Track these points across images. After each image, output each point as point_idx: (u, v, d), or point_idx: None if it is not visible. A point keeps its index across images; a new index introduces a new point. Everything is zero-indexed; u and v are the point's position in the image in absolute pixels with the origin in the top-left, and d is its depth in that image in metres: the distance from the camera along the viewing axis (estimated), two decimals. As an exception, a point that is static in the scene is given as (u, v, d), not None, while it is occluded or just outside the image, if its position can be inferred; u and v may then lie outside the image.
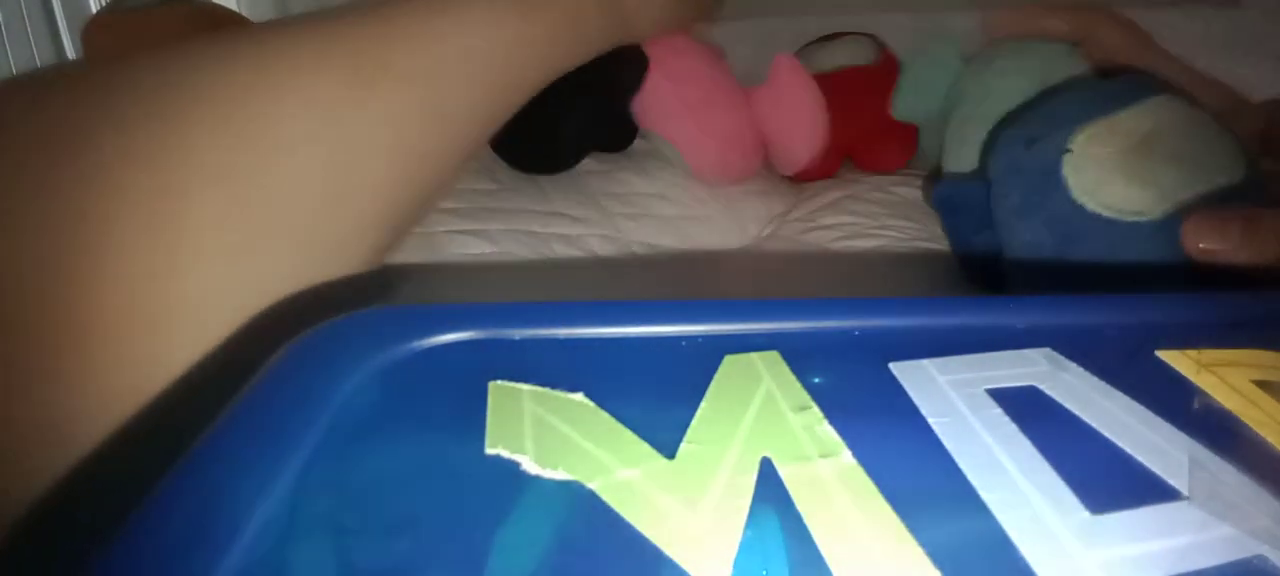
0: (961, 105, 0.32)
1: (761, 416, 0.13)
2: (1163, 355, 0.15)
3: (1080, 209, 0.21)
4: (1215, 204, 0.21)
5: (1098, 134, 0.21)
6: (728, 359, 0.14)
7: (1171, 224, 0.21)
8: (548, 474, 0.12)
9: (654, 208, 0.39)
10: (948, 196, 0.27)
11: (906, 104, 0.37)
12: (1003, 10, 0.33)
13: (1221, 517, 0.11)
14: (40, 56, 1.09)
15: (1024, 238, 0.21)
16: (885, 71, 0.46)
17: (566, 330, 0.15)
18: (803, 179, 0.43)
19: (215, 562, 0.10)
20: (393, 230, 0.24)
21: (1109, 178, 0.21)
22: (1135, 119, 0.22)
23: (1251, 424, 0.13)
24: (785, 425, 0.13)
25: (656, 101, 0.40)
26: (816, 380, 0.14)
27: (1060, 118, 0.22)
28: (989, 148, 0.25)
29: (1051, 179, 0.21)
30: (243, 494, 0.11)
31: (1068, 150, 0.21)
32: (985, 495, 0.11)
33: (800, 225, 0.38)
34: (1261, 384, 0.14)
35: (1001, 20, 0.33)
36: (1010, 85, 0.30)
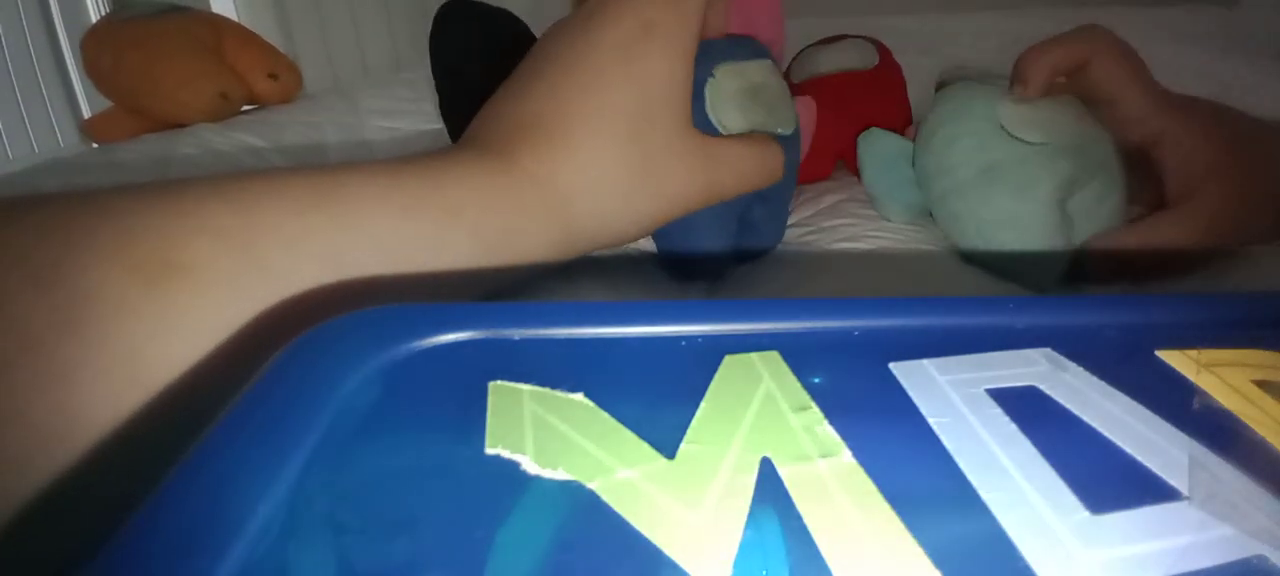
0: (932, 183, 0.36)
1: (761, 416, 0.13)
2: (1163, 355, 0.15)
3: (707, 120, 0.29)
4: (776, 142, 0.30)
5: (730, 71, 0.30)
6: (728, 359, 0.14)
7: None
8: (548, 474, 0.12)
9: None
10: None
11: (893, 201, 0.39)
12: (1023, 72, 0.34)
13: (1221, 517, 0.11)
14: (40, 65, 1.09)
15: None
16: (883, 76, 0.46)
17: (566, 330, 0.15)
18: (799, 180, 0.43)
19: (215, 562, 0.10)
20: None
21: (726, 104, 0.29)
22: (758, 71, 0.31)
23: (1251, 424, 0.13)
24: (785, 425, 0.13)
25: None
26: (816, 380, 0.14)
27: (714, 54, 0.30)
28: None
29: (699, 95, 0.29)
30: (243, 494, 0.11)
31: (711, 76, 0.29)
32: (985, 495, 0.11)
33: (800, 226, 0.38)
34: (1261, 384, 0.14)
35: (1025, 76, 0.34)
36: (961, 153, 0.34)
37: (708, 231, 0.30)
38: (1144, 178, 0.33)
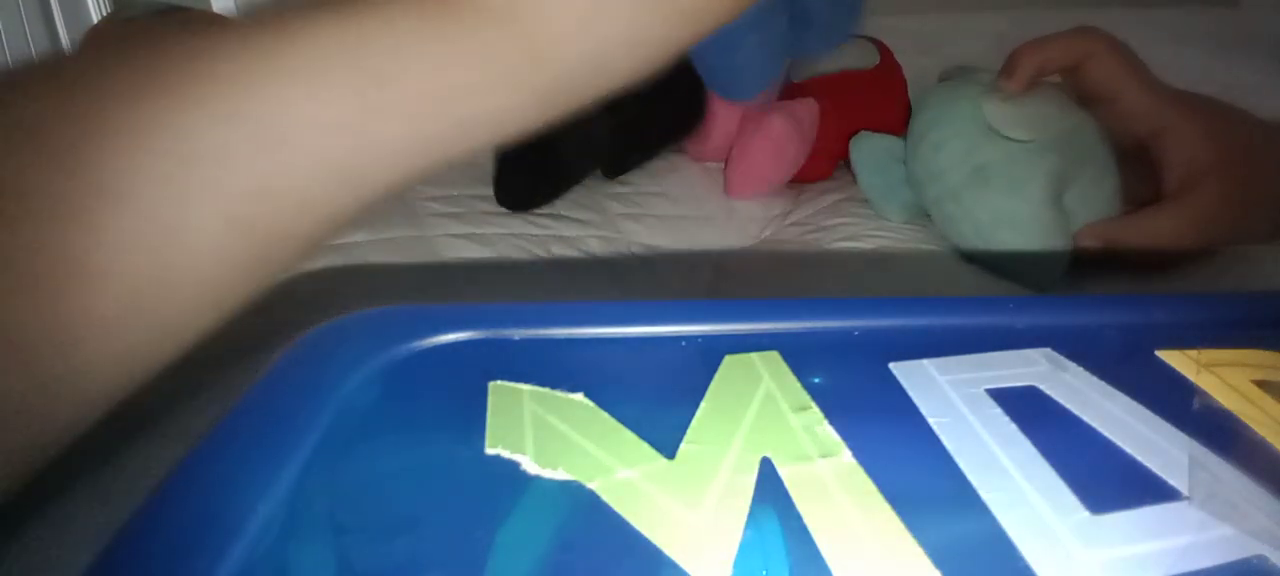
0: (925, 188, 0.35)
1: (761, 416, 0.13)
2: (1163, 355, 0.15)
3: None
4: None
5: None
6: (728, 359, 0.14)
7: None
8: (548, 474, 0.12)
9: (654, 207, 0.39)
10: None
11: (890, 202, 0.39)
12: (1012, 65, 0.34)
13: (1221, 517, 0.11)
14: (41, 60, 1.09)
15: None
16: (884, 76, 0.46)
17: (566, 330, 0.15)
18: (800, 180, 0.43)
19: (215, 562, 0.10)
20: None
21: None
22: None
23: (1251, 424, 0.13)
24: (785, 425, 0.13)
25: (717, 126, 0.40)
26: (816, 380, 0.14)
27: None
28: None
29: None
30: (243, 494, 0.11)
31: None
32: (985, 495, 0.11)
33: (800, 226, 0.38)
34: (1261, 384, 0.14)
35: (1013, 69, 0.34)
36: (949, 156, 0.34)
37: (754, 45, 0.25)
38: (1140, 175, 0.33)
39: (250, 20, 0.16)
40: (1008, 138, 0.32)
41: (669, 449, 0.12)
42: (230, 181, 0.15)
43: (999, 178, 0.32)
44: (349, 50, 0.16)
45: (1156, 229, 0.31)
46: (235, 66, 0.15)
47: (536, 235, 0.33)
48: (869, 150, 0.39)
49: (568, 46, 0.18)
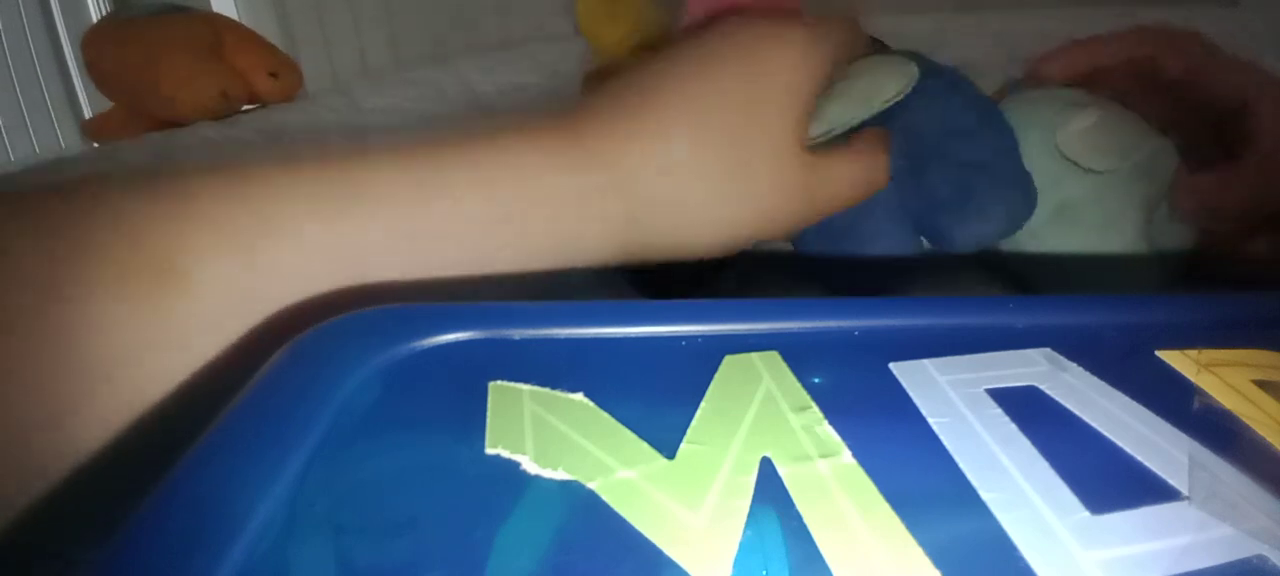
0: None
1: (761, 416, 0.13)
2: (1163, 355, 0.15)
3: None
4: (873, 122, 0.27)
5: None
6: (728, 359, 0.14)
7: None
8: (548, 474, 0.12)
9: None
10: None
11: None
12: (1054, 52, 0.31)
13: (1221, 517, 0.11)
14: (41, 65, 1.09)
15: None
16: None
17: (566, 330, 0.15)
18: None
19: (215, 562, 0.10)
20: None
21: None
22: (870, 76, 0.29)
23: (1251, 424, 0.13)
24: (785, 425, 0.13)
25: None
26: (816, 380, 0.14)
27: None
28: None
29: None
30: (243, 494, 0.11)
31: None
32: (985, 495, 0.11)
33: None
34: (1261, 384, 0.14)
35: (1053, 62, 0.30)
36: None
37: (887, 229, 0.27)
38: (1204, 159, 0.30)
39: (399, 144, 0.20)
40: (1089, 169, 0.29)
41: (669, 449, 0.12)
42: (353, 273, 0.18)
43: (1088, 215, 0.29)
44: (469, 170, 0.19)
45: (1260, 178, 0.28)
46: (385, 180, 0.19)
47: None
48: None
49: (655, 202, 0.21)
